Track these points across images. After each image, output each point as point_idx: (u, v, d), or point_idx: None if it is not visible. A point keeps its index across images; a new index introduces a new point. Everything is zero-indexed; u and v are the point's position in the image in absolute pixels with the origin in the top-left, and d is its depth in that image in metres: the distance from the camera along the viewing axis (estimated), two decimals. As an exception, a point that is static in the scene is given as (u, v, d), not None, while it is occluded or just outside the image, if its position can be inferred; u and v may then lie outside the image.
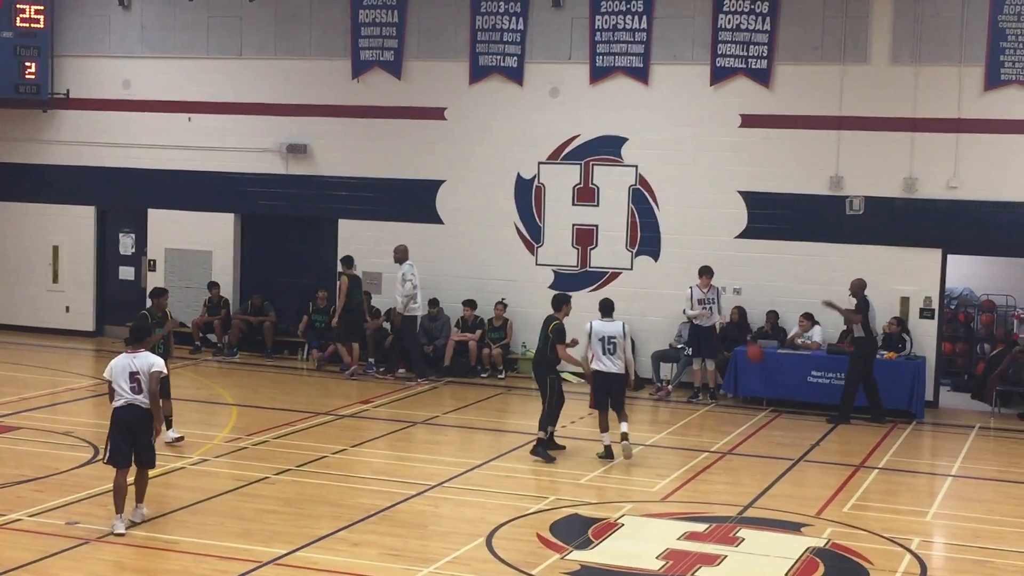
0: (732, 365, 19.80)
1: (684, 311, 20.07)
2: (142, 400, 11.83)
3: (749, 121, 20.57)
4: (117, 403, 11.90)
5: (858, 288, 18.65)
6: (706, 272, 19.96)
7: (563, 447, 15.99)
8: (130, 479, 12.03)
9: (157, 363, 12.00)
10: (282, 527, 12.12)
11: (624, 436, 15.46)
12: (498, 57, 21.67)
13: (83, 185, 24.29)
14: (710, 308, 19.80)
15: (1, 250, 24.94)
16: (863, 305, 18.58)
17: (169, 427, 15.44)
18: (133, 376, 11.83)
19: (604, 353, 15.60)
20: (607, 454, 15.59)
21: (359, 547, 11.67)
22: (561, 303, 16.00)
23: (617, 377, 15.66)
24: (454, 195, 22.13)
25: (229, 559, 11.20)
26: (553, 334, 15.66)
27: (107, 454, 11.97)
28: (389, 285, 22.14)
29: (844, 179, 20.20)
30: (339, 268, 21.66)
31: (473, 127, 21.96)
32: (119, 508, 11.83)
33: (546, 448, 15.59)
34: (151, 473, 12.43)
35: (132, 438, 11.87)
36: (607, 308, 15.97)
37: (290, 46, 22.82)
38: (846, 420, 18.52)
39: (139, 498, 12.17)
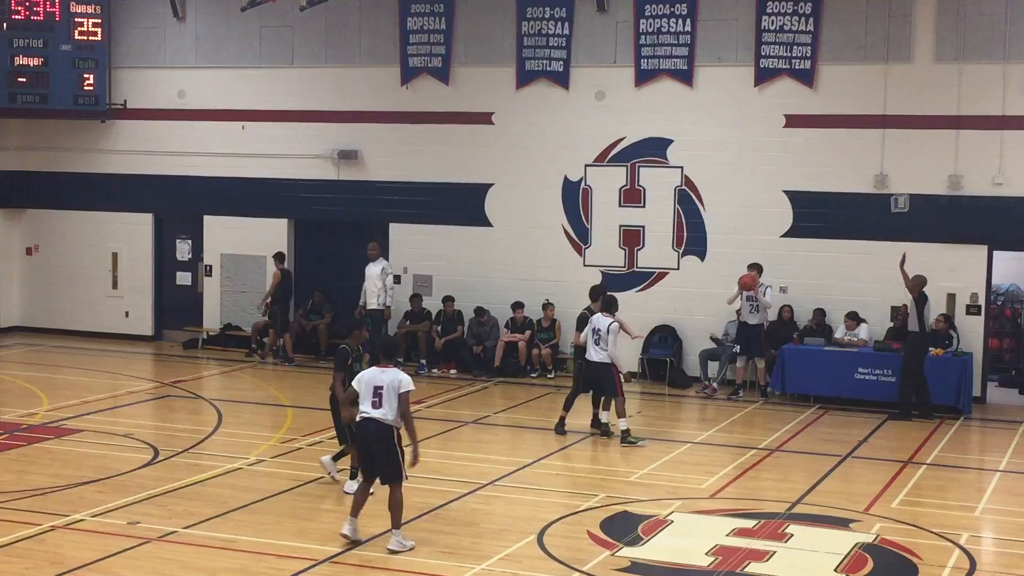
0: (779, 363, 19.84)
1: (728, 301, 20.18)
2: (380, 415, 11.58)
3: (793, 121, 20.60)
4: (359, 416, 11.79)
5: (918, 284, 18.62)
6: (754, 268, 20.04)
7: (564, 432, 16.96)
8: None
9: (405, 381, 11.67)
10: (337, 526, 12.18)
11: (604, 426, 16.95)
12: (544, 62, 21.82)
13: (140, 193, 24.65)
14: (755, 305, 19.86)
15: (62, 257, 25.37)
16: (921, 300, 18.59)
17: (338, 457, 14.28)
18: (376, 391, 11.60)
19: (595, 344, 16.64)
20: (604, 431, 17.01)
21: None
22: (597, 295, 17.39)
23: (597, 366, 16.64)
24: (502, 198, 22.32)
25: (286, 557, 11.35)
26: (577, 322, 17.51)
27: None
28: (440, 287, 22.46)
29: (889, 177, 20.21)
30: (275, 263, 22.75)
31: (520, 131, 22.13)
32: (352, 511, 11.86)
33: (563, 425, 17.13)
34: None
35: (369, 452, 11.72)
36: (610, 305, 16.84)
37: (340, 54, 23.07)
38: (908, 416, 18.54)
39: (393, 523, 11.75)
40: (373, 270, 21.77)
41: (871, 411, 18.99)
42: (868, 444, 17.00)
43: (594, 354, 16.61)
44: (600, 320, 16.63)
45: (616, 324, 16.62)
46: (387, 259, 22.32)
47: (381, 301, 21.68)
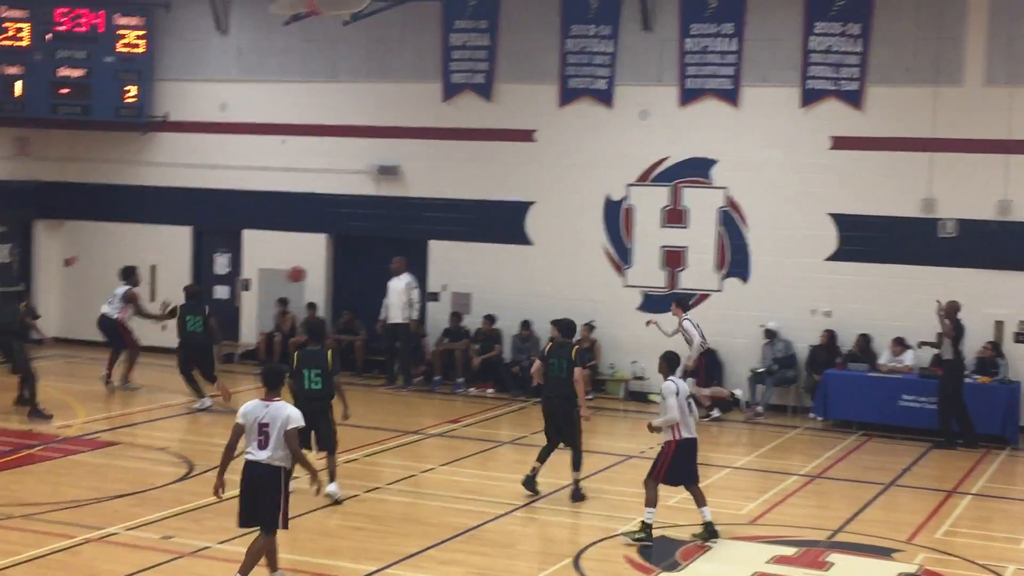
0: (822, 388, 19.62)
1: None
2: (266, 457, 10.44)
3: (840, 143, 20.38)
4: (246, 456, 10.62)
5: (952, 311, 18.42)
6: (673, 300, 20.17)
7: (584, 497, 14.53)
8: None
9: (293, 416, 10.46)
10: (371, 544, 12.18)
11: (709, 526, 13.00)
12: (588, 80, 21.70)
13: (180, 206, 24.67)
14: (687, 338, 19.19)
15: (101, 269, 25.23)
16: (957, 328, 18.36)
17: (332, 479, 13.92)
18: (262, 428, 10.43)
19: (689, 414, 12.99)
20: (711, 533, 12.94)
21: (447, 565, 11.70)
22: (573, 330, 14.93)
23: (696, 443, 13.18)
24: (543, 216, 22.18)
25: (319, 575, 11.29)
26: (576, 357, 14.44)
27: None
28: (480, 306, 22.32)
29: (937, 201, 19.94)
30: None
31: (562, 149, 22.00)
32: (269, 567, 10.80)
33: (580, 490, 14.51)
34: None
35: (252, 497, 10.56)
36: (675, 363, 13.33)
37: (383, 70, 23.04)
38: (951, 445, 18.26)
39: (245, 568, 10.64)
40: (397, 285, 21.76)
41: (915, 439, 18.72)
42: (912, 472, 16.78)
43: (694, 429, 13.06)
44: (685, 385, 13.19)
45: None
46: (423, 276, 22.34)
47: (407, 315, 21.69)
